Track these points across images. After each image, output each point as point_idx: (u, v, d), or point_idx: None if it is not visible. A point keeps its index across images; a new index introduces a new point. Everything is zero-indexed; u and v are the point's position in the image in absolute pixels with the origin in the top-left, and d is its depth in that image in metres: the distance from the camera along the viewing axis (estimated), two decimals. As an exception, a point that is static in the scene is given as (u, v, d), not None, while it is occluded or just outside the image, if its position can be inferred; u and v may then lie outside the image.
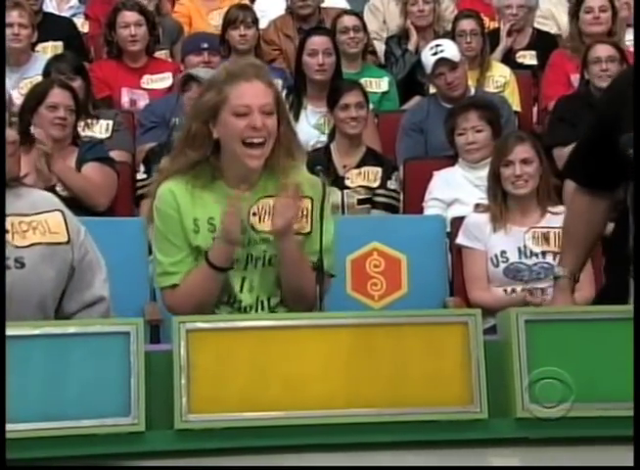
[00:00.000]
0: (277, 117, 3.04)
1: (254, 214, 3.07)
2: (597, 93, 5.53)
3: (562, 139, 5.09)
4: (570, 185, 4.90)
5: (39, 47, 6.31)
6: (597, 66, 5.62)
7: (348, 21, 6.29)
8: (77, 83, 5.40)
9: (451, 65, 5.63)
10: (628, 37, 6.42)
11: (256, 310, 3.09)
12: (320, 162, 2.95)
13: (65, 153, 4.91)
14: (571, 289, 3.13)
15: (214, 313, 3.06)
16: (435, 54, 5.66)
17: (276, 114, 3.04)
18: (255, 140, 2.99)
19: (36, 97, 4.90)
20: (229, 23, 6.20)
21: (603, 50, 5.67)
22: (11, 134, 2.97)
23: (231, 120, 2.99)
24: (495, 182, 4.53)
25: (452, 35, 6.21)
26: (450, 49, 5.70)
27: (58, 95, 4.91)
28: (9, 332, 2.39)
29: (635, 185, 2.92)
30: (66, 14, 6.89)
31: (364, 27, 6.32)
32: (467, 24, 6.27)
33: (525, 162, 4.49)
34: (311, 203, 3.09)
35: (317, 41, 5.89)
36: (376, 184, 5.15)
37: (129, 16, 6.05)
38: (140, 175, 5.10)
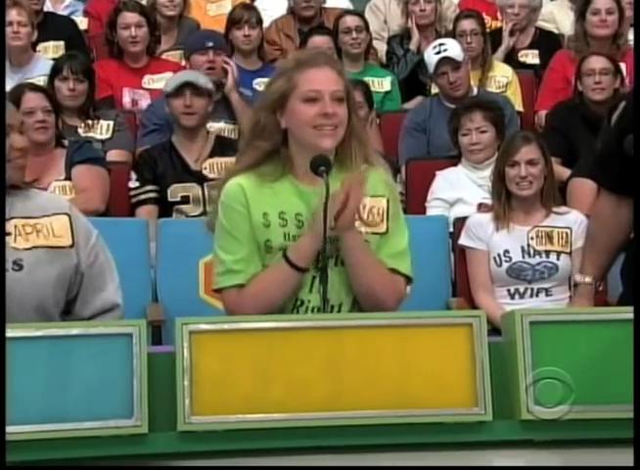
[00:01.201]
0: (347, 108, 2.91)
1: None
2: (591, 105, 5.55)
3: (554, 149, 5.04)
4: (576, 187, 4.93)
5: (40, 47, 6.30)
6: (590, 78, 5.63)
7: (351, 21, 6.29)
8: (83, 87, 5.39)
9: (454, 64, 5.62)
10: (630, 37, 6.42)
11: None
12: (323, 162, 2.88)
13: (52, 156, 4.88)
14: (591, 296, 3.07)
15: None
16: (439, 53, 5.66)
17: (346, 104, 2.90)
18: (326, 128, 2.85)
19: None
20: (233, 22, 6.20)
21: (597, 62, 5.66)
22: (21, 140, 2.94)
23: (301, 107, 2.86)
24: (500, 182, 4.52)
25: (453, 35, 6.21)
26: (454, 48, 5.70)
27: (32, 99, 4.87)
28: (11, 333, 2.38)
29: (635, 186, 2.90)
30: (62, 12, 6.87)
31: (366, 28, 6.31)
32: (467, 24, 6.27)
33: (530, 163, 4.48)
34: (387, 202, 2.95)
35: (318, 41, 5.89)
36: None
37: (130, 17, 6.04)
38: (132, 183, 5.06)
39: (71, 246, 2.93)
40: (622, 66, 6.15)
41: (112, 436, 2.37)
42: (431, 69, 5.72)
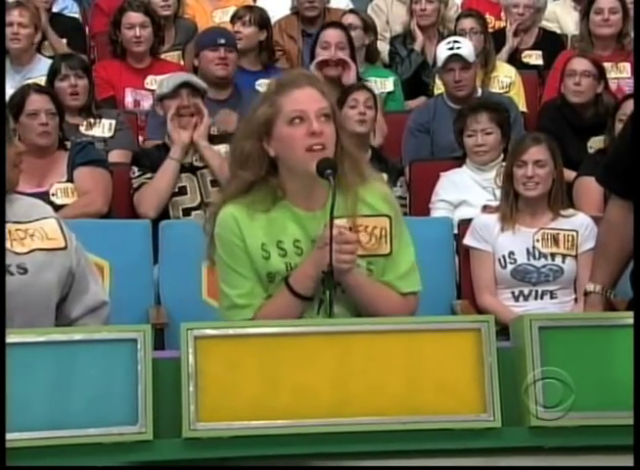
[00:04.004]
0: (335, 127, 2.83)
1: None
2: (573, 106, 5.54)
3: None
4: (582, 186, 4.90)
5: (44, 45, 6.27)
6: (571, 79, 5.61)
7: (347, 19, 6.28)
8: (84, 83, 5.37)
9: (464, 63, 5.60)
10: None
11: None
12: (330, 165, 2.82)
13: (54, 158, 4.85)
14: (602, 305, 3.00)
15: None
16: (451, 49, 5.65)
17: (333, 123, 2.82)
18: (316, 147, 2.76)
19: (15, 106, 4.77)
20: (231, 20, 6.21)
21: (579, 64, 5.64)
22: (19, 145, 2.97)
23: (287, 130, 2.78)
24: (508, 182, 4.50)
25: (454, 35, 6.19)
26: (466, 48, 5.69)
27: (36, 101, 4.82)
28: (14, 339, 2.36)
29: (635, 185, 2.87)
30: (54, 9, 6.81)
31: (365, 27, 6.28)
32: (467, 23, 6.27)
33: (537, 163, 4.45)
34: (389, 221, 2.84)
35: (331, 34, 5.87)
36: None
37: (135, 17, 6.00)
38: (133, 174, 5.04)
39: (65, 247, 2.96)
40: (627, 65, 6.14)
41: (116, 443, 2.35)
42: (439, 63, 5.70)
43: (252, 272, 2.83)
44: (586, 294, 3.04)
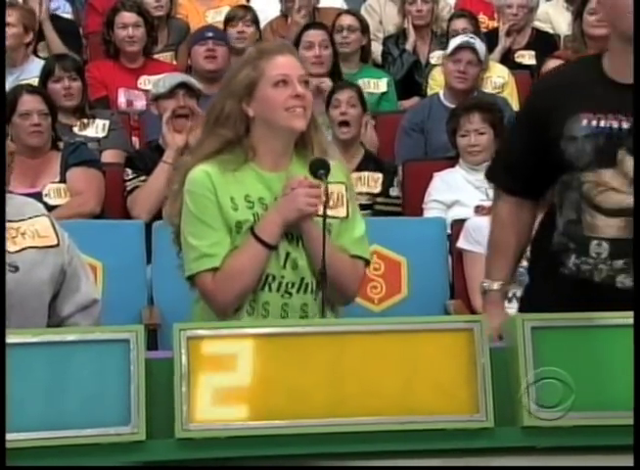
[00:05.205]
0: None
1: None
2: None
3: None
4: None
5: (40, 46, 6.26)
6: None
7: (344, 20, 6.28)
8: (78, 84, 5.36)
9: (473, 56, 5.61)
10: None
11: (298, 291, 2.98)
12: (322, 165, 2.92)
13: (47, 159, 4.84)
14: (502, 301, 3.05)
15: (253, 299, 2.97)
16: (465, 40, 5.68)
17: None
18: (298, 109, 2.97)
19: (7, 107, 4.76)
20: (228, 20, 6.24)
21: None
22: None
23: (271, 92, 2.98)
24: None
25: (447, 35, 6.20)
26: (480, 45, 5.76)
27: (28, 102, 4.82)
28: (7, 340, 2.35)
29: (636, 184, 2.89)
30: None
31: (362, 28, 6.29)
32: (460, 24, 6.29)
33: None
34: (345, 187, 3.06)
35: (313, 35, 5.88)
36: (377, 190, 5.12)
37: (128, 17, 6.01)
38: (127, 176, 5.02)
39: (57, 245, 2.98)
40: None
41: (109, 443, 2.34)
42: (448, 50, 5.71)
43: (221, 224, 2.97)
44: (485, 292, 3.06)
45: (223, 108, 3.00)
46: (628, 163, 2.85)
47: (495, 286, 3.05)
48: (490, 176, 3.18)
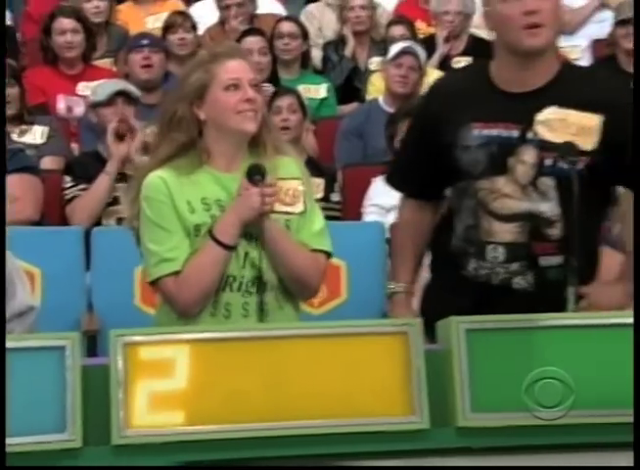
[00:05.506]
0: None
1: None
2: None
3: None
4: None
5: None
6: None
7: (285, 27, 6.30)
8: (14, 91, 5.32)
9: (414, 61, 5.67)
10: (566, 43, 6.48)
11: (258, 290, 2.99)
12: (258, 171, 2.96)
13: None
14: (409, 301, 3.13)
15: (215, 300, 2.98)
16: (408, 45, 5.77)
17: None
18: (249, 113, 3.00)
19: None
20: (168, 27, 6.21)
21: None
22: None
23: (222, 95, 3.01)
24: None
25: (385, 41, 6.24)
26: (421, 52, 5.85)
27: None
28: (-59, 348, 2.33)
29: (636, 188, 2.95)
30: None
31: (302, 35, 6.31)
32: (397, 30, 6.34)
33: None
34: (301, 183, 3.08)
35: (251, 42, 5.89)
36: (318, 196, 5.12)
37: (66, 22, 5.98)
38: (66, 184, 4.98)
39: None
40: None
41: (45, 451, 2.33)
42: (390, 54, 5.77)
43: (180, 228, 2.98)
44: (391, 294, 3.13)
45: (175, 111, 3.02)
46: (519, 170, 2.96)
47: (401, 288, 3.13)
48: (389, 180, 3.26)
